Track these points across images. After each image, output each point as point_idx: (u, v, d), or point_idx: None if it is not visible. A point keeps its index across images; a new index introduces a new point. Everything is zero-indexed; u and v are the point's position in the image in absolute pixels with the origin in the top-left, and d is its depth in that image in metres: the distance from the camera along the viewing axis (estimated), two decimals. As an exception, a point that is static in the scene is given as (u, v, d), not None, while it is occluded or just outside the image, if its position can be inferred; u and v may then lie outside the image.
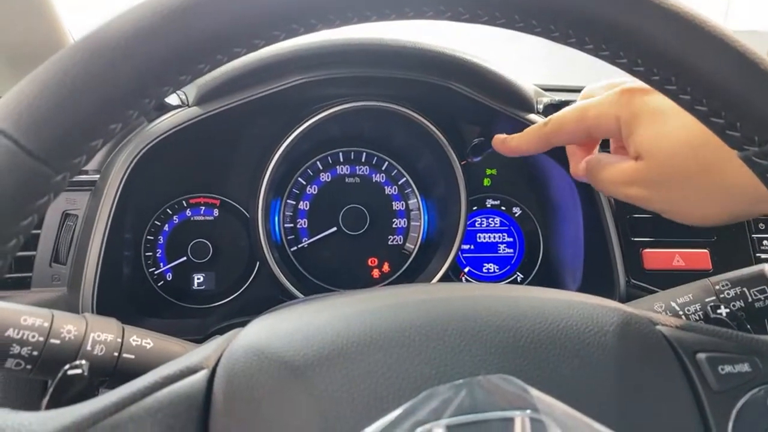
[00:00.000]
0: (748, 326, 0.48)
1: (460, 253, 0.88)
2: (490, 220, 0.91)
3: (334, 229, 0.86)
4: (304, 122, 0.75)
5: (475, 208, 0.90)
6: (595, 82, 0.60)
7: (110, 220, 0.65)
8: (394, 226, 0.88)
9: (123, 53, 0.28)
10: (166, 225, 0.82)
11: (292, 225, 0.86)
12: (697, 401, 0.35)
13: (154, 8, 0.28)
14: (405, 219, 0.89)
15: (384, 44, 0.72)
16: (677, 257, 0.75)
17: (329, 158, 0.87)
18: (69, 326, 0.42)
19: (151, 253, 0.82)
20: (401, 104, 0.76)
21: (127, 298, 0.75)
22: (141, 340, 0.45)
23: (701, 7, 0.32)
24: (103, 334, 0.43)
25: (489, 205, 0.91)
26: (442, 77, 0.74)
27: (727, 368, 0.35)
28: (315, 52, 0.71)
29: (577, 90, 0.83)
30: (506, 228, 0.91)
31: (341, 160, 0.88)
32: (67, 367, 0.38)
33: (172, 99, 0.72)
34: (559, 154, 0.78)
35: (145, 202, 0.80)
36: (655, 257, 0.75)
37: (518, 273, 0.91)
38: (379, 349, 0.33)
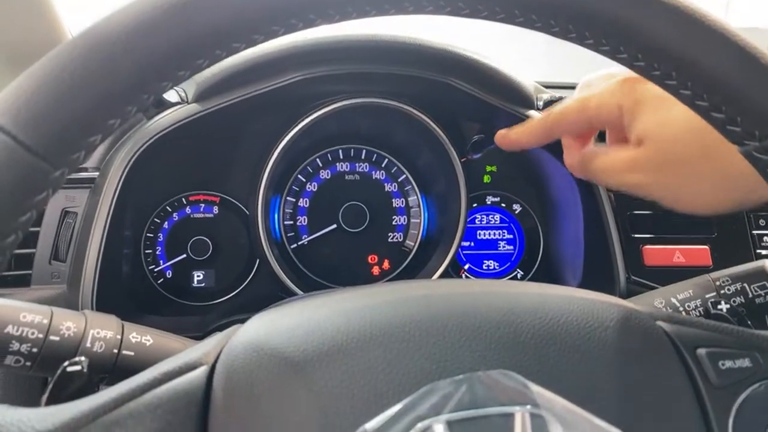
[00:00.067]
0: (749, 322, 0.48)
1: (460, 250, 0.88)
2: (490, 217, 0.91)
3: (334, 226, 0.86)
4: (304, 119, 0.75)
5: (475, 205, 0.90)
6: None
7: (110, 218, 0.65)
8: (394, 223, 0.88)
9: (121, 48, 0.28)
10: (166, 222, 0.82)
11: (291, 222, 0.86)
12: (698, 396, 0.35)
13: (152, 3, 0.28)
14: (405, 216, 0.89)
15: (384, 40, 0.71)
16: (677, 253, 0.75)
17: (329, 155, 0.87)
18: (68, 323, 0.42)
19: (150, 251, 0.82)
20: (401, 101, 0.76)
21: (127, 296, 0.75)
22: (140, 336, 0.45)
23: (702, 3, 0.32)
24: (102, 330, 0.43)
25: (489, 202, 0.91)
26: (442, 73, 0.74)
27: (728, 363, 0.35)
28: (314, 48, 0.70)
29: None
30: (506, 225, 0.91)
31: (341, 157, 0.88)
32: (66, 363, 0.38)
33: (172, 96, 0.72)
34: (559, 151, 0.78)
35: (144, 199, 0.80)
36: (656, 253, 0.75)
37: (518, 270, 0.91)
38: (379, 344, 0.33)
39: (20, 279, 0.65)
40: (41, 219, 0.66)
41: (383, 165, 0.88)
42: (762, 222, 0.77)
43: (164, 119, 0.68)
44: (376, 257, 0.88)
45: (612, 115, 0.52)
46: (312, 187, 0.87)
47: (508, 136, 0.64)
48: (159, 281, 0.82)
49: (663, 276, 0.71)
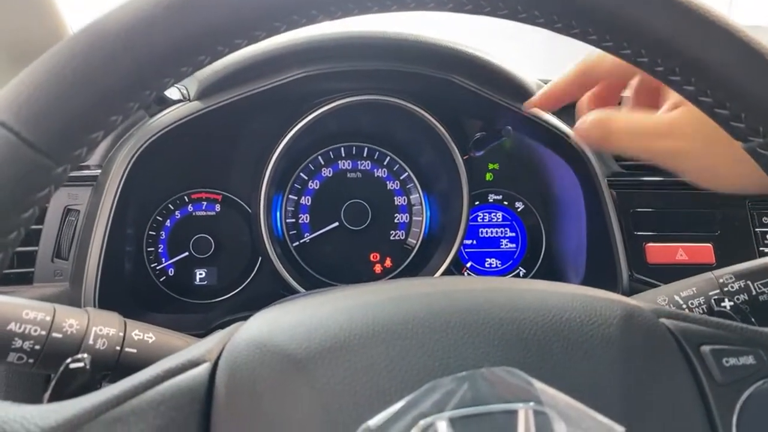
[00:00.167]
0: (753, 319, 0.48)
1: (462, 248, 0.88)
2: (493, 214, 0.91)
3: (336, 224, 0.86)
4: (306, 117, 0.75)
5: (477, 202, 0.90)
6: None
7: (112, 216, 0.65)
8: (396, 221, 0.88)
9: (123, 45, 0.28)
10: (168, 220, 0.82)
11: (293, 220, 0.86)
12: (702, 394, 0.34)
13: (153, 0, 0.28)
14: (407, 214, 0.89)
15: (385, 37, 0.71)
16: (680, 251, 0.75)
17: (331, 153, 0.87)
18: (71, 320, 0.42)
19: (153, 249, 0.82)
20: (403, 98, 0.76)
21: (129, 294, 0.75)
22: (143, 334, 0.45)
23: (705, 0, 0.32)
24: (105, 328, 0.43)
25: (491, 200, 0.91)
26: (444, 71, 0.73)
27: (732, 361, 0.35)
28: (316, 45, 0.70)
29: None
30: (508, 223, 0.91)
31: (343, 155, 0.88)
32: (69, 360, 0.38)
33: (174, 93, 0.72)
34: (562, 149, 0.78)
35: (146, 197, 0.80)
36: (658, 251, 0.75)
37: (521, 268, 0.91)
38: (382, 342, 0.33)
39: (23, 277, 0.65)
40: (44, 217, 0.67)
41: (385, 163, 0.88)
42: (765, 219, 0.77)
43: (166, 117, 0.68)
44: (378, 255, 0.88)
45: None
46: (314, 184, 0.87)
47: (538, 96, 0.59)
48: (161, 279, 0.82)
49: (666, 274, 0.71)
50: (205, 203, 0.83)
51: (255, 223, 0.76)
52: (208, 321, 0.74)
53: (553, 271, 0.89)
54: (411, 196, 0.89)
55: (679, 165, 0.48)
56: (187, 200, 0.83)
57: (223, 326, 0.38)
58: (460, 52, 0.73)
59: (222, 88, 0.70)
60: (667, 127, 0.46)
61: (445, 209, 0.85)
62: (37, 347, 0.40)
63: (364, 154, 0.88)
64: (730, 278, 0.50)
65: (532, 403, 0.28)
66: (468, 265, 0.90)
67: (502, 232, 0.91)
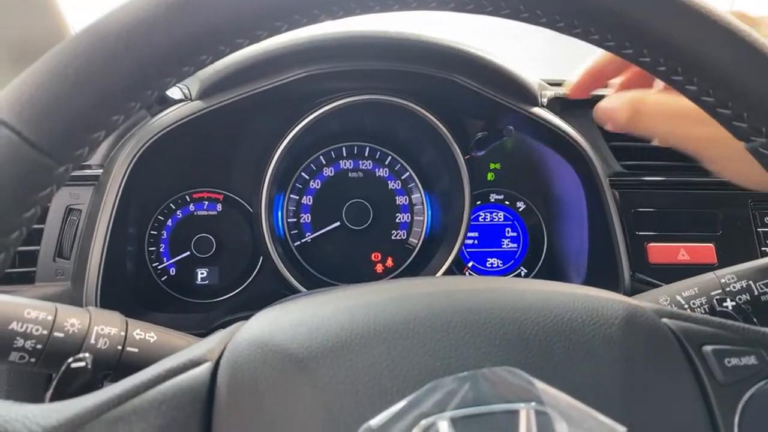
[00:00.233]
0: (755, 319, 0.48)
1: (463, 247, 0.88)
2: (494, 214, 0.91)
3: (338, 223, 0.86)
4: (307, 116, 0.75)
5: (478, 202, 0.90)
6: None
7: (113, 215, 0.65)
8: (397, 220, 0.88)
9: (125, 44, 0.28)
10: (170, 220, 0.82)
11: (295, 220, 0.86)
12: (704, 394, 0.34)
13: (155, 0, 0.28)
14: (408, 214, 0.89)
15: (388, 37, 0.71)
16: (682, 251, 0.75)
17: (332, 153, 0.87)
18: (73, 319, 0.42)
19: (154, 248, 0.82)
20: (405, 98, 0.76)
21: (131, 293, 0.75)
22: (144, 333, 0.45)
23: (707, 0, 0.32)
24: (106, 327, 0.43)
25: (493, 200, 0.90)
26: (445, 70, 0.73)
27: (734, 361, 0.35)
28: (318, 45, 0.70)
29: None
30: (510, 222, 0.91)
31: (344, 154, 0.88)
32: (70, 360, 0.38)
33: (175, 93, 0.72)
34: (564, 148, 0.78)
35: (148, 196, 0.80)
36: (660, 251, 0.75)
37: (522, 267, 0.91)
38: (383, 341, 0.33)
39: (24, 276, 0.65)
40: (45, 216, 0.67)
41: (387, 162, 0.88)
42: (767, 219, 0.77)
43: (168, 116, 0.68)
44: (379, 255, 0.88)
45: None
46: (315, 184, 0.87)
47: (580, 78, 0.56)
48: (163, 278, 0.82)
49: (667, 274, 0.71)
50: (206, 203, 0.83)
51: (256, 222, 0.77)
52: (209, 320, 0.74)
53: (554, 271, 0.89)
54: (412, 196, 0.89)
55: (707, 153, 0.46)
56: (188, 200, 0.83)
57: (224, 326, 0.38)
58: (461, 52, 0.73)
59: (223, 87, 0.70)
60: (702, 112, 0.45)
61: (446, 209, 0.85)
62: (39, 346, 0.40)
63: (366, 154, 0.88)
64: (732, 278, 0.50)
65: (533, 403, 0.28)
66: (469, 264, 0.90)
67: (503, 232, 0.91)
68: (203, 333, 0.48)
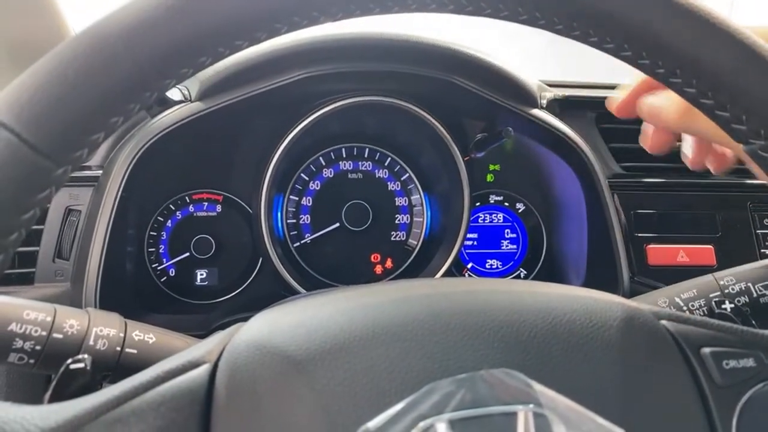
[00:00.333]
0: (753, 321, 0.48)
1: (463, 249, 0.88)
2: (494, 215, 0.91)
3: (337, 225, 0.86)
4: (307, 117, 0.75)
5: (478, 203, 0.90)
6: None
7: (113, 216, 0.65)
8: (396, 222, 0.88)
9: (124, 46, 0.28)
10: (169, 221, 0.82)
11: (294, 221, 0.86)
12: (702, 396, 0.34)
13: (155, 1, 0.28)
14: (408, 215, 0.89)
15: (387, 38, 0.71)
16: (681, 253, 0.75)
17: (332, 154, 0.87)
18: (72, 321, 0.42)
19: (154, 249, 0.82)
20: (404, 99, 0.76)
21: (130, 294, 0.75)
22: (143, 334, 0.45)
23: (706, 1, 0.32)
24: (105, 328, 0.43)
25: (492, 201, 0.91)
26: (445, 72, 0.73)
27: (732, 363, 0.35)
28: (317, 46, 0.70)
29: (581, 86, 0.83)
30: (509, 224, 0.91)
31: (344, 155, 0.88)
32: (69, 361, 0.38)
33: (175, 94, 0.72)
34: (563, 150, 0.78)
35: (147, 197, 0.80)
36: (659, 253, 0.75)
37: (521, 269, 0.91)
38: (382, 343, 0.33)
39: (24, 277, 0.65)
40: (45, 217, 0.67)
41: (386, 164, 0.88)
42: (767, 221, 0.77)
43: (167, 117, 0.68)
44: (378, 256, 0.88)
45: None
46: (315, 185, 0.87)
47: (630, 91, 0.50)
48: (162, 279, 0.82)
49: (667, 275, 0.71)
50: (206, 204, 0.83)
51: (256, 223, 0.77)
52: (208, 321, 0.74)
53: (553, 273, 0.89)
54: (412, 197, 0.89)
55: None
56: (188, 201, 0.83)
57: (223, 327, 0.38)
58: (461, 54, 0.73)
59: (223, 89, 0.70)
60: None
61: (446, 210, 0.85)
62: (38, 348, 0.40)
63: (365, 155, 0.88)
64: (731, 280, 0.50)
65: (531, 406, 0.28)
66: (469, 266, 0.90)
67: (503, 233, 0.91)
68: (202, 334, 0.48)
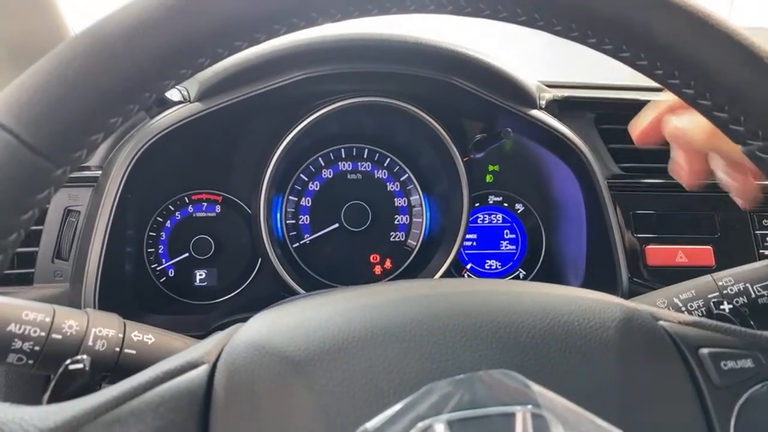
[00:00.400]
0: (752, 322, 0.48)
1: (462, 249, 0.88)
2: (493, 216, 0.91)
3: (336, 225, 0.86)
4: (306, 118, 0.75)
5: (477, 204, 0.90)
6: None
7: (112, 216, 0.65)
8: (396, 222, 0.88)
9: (124, 47, 0.28)
10: (168, 221, 0.82)
11: (294, 221, 0.86)
12: (700, 397, 0.34)
13: (154, 2, 0.28)
14: (407, 215, 0.89)
15: (386, 39, 0.71)
16: (680, 253, 0.75)
17: (331, 155, 0.87)
18: (70, 321, 0.42)
19: (153, 250, 0.82)
20: (403, 100, 0.76)
21: (130, 295, 0.75)
22: (142, 335, 0.45)
23: (705, 2, 0.32)
24: (104, 329, 0.43)
25: (491, 202, 0.91)
26: (444, 72, 0.73)
27: (730, 364, 0.35)
28: (317, 47, 0.70)
29: (580, 86, 0.83)
30: (509, 224, 0.91)
31: (343, 156, 0.88)
32: (68, 362, 0.38)
33: (174, 95, 0.72)
34: (562, 151, 0.78)
35: (147, 198, 0.80)
36: (658, 253, 0.75)
37: (521, 270, 0.91)
38: (380, 344, 0.33)
39: (23, 277, 0.65)
40: (44, 217, 0.67)
41: (385, 164, 0.88)
42: (765, 222, 0.77)
43: (167, 118, 0.68)
44: (378, 256, 0.88)
45: None
46: (314, 186, 0.87)
47: (650, 120, 0.48)
48: (161, 280, 0.82)
49: (665, 276, 0.71)
50: (205, 204, 0.83)
51: (255, 224, 0.77)
52: (207, 322, 0.74)
53: (553, 273, 0.89)
54: (411, 198, 0.89)
55: None
56: (187, 201, 0.83)
57: (222, 327, 0.38)
58: (460, 54, 0.73)
59: (222, 89, 0.70)
60: None
61: (445, 211, 0.85)
62: (37, 348, 0.40)
63: (365, 156, 0.88)
64: (730, 281, 0.50)
65: (529, 406, 0.28)
66: (468, 266, 0.90)
67: (502, 234, 0.91)
68: (201, 334, 0.48)
